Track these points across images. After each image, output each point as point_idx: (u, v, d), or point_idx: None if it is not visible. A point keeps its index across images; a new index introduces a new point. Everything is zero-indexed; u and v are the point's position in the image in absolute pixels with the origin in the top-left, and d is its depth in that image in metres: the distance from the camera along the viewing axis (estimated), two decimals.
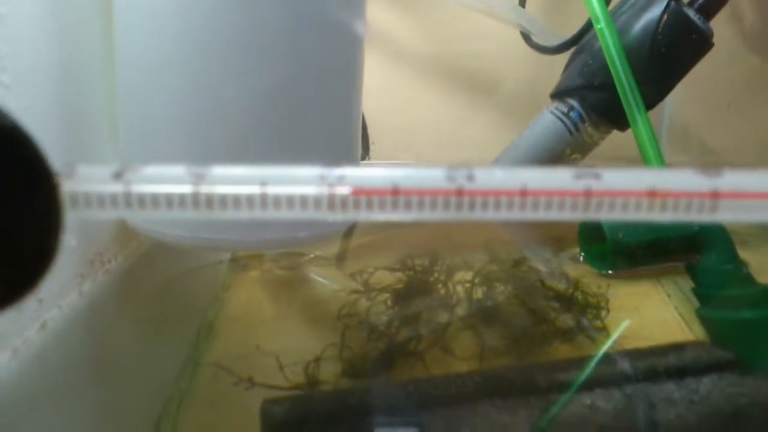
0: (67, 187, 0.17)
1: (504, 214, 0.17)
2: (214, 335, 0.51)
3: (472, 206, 0.17)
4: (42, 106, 0.31)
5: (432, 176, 0.17)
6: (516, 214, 0.17)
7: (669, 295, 0.57)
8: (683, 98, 0.66)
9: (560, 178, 0.17)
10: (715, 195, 0.17)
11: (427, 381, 0.32)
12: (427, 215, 0.17)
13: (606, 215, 0.17)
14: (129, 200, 0.17)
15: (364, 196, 0.17)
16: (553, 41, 0.63)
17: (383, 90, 0.76)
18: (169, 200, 0.17)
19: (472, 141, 0.79)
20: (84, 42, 0.35)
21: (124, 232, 0.41)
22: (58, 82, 0.33)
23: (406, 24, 0.75)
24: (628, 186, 0.17)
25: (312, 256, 0.59)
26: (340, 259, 0.59)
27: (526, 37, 0.67)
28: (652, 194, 0.17)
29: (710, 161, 0.72)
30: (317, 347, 0.45)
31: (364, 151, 0.74)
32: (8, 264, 0.16)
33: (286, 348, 0.45)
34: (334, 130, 0.36)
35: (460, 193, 0.17)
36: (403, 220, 0.17)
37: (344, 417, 0.29)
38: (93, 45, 0.36)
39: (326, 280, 0.56)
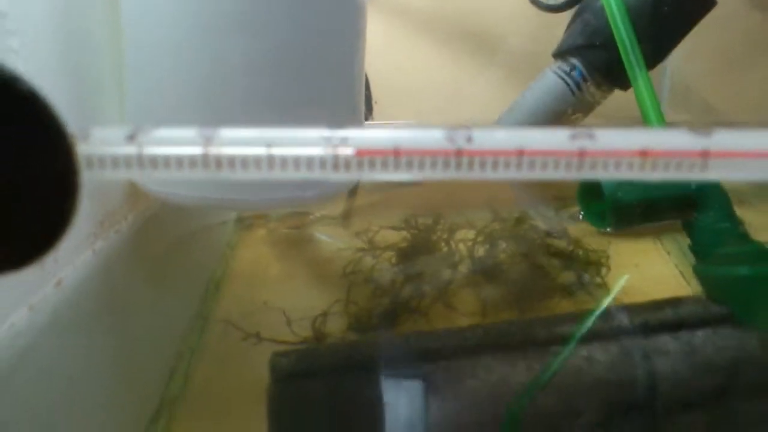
0: (82, 149, 0.18)
1: (501, 174, 0.18)
2: (221, 293, 0.52)
3: (471, 166, 0.18)
4: (50, 69, 0.32)
5: (432, 137, 0.18)
6: (513, 174, 0.18)
7: (669, 253, 0.58)
8: (684, 57, 0.66)
9: (556, 138, 0.18)
10: (705, 154, 0.18)
11: (430, 334, 0.33)
12: (427, 175, 0.18)
13: (600, 174, 0.18)
14: (141, 161, 0.18)
15: (367, 156, 0.18)
16: (556, 0, 0.63)
17: (386, 50, 0.76)
18: (180, 161, 0.18)
19: (475, 100, 0.79)
20: (91, 6, 0.35)
21: (134, 193, 0.42)
22: (65, 45, 0.33)
23: None
24: (620, 146, 0.18)
25: (317, 215, 0.60)
26: (346, 218, 0.60)
27: None
28: (643, 154, 0.18)
29: (711, 120, 0.72)
30: (323, 303, 0.46)
31: (367, 111, 0.74)
32: (29, 223, 0.17)
33: (292, 304, 0.47)
34: (338, 90, 0.36)
35: (459, 153, 0.18)
36: (404, 179, 0.18)
37: (349, 368, 0.30)
38: (100, 9, 0.36)
39: (331, 239, 0.57)
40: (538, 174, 0.18)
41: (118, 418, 0.37)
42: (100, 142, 0.18)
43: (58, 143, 0.17)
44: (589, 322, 0.35)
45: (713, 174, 0.18)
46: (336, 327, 0.44)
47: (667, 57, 0.52)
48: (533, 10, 0.65)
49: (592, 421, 0.29)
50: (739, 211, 0.44)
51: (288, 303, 0.47)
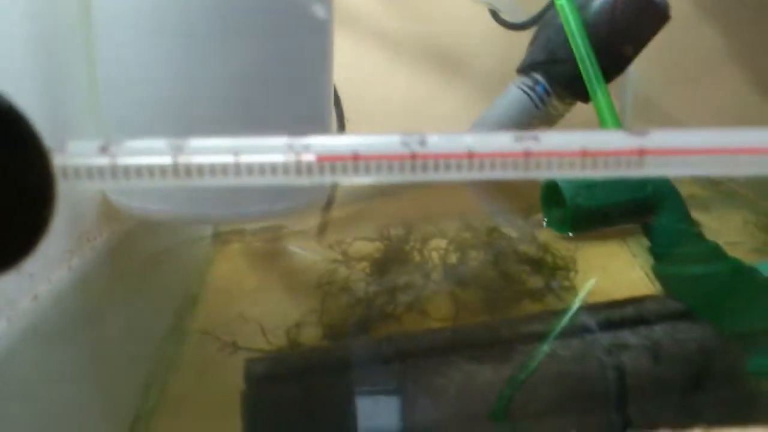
0: (58, 161, 0.19)
1: (454, 175, 0.20)
2: (198, 306, 0.53)
3: (425, 168, 0.19)
4: (25, 82, 0.33)
5: (388, 142, 0.19)
6: (464, 175, 0.20)
7: (634, 255, 0.59)
8: (645, 69, 0.68)
9: (502, 141, 0.19)
10: (641, 152, 0.20)
11: (401, 337, 0.34)
12: (385, 178, 0.19)
13: (544, 173, 0.20)
14: (115, 171, 0.19)
15: (328, 162, 0.19)
16: (520, 18, 0.65)
17: (357, 68, 0.77)
18: (151, 171, 0.19)
19: (446, 117, 0.80)
20: (64, 19, 0.36)
21: (109, 211, 0.42)
22: (39, 58, 0.34)
23: (380, 3, 0.76)
24: (562, 147, 0.19)
25: (292, 229, 0.61)
26: (321, 231, 0.61)
27: (495, 14, 0.69)
28: (584, 154, 0.20)
29: (672, 128, 0.74)
30: (298, 314, 0.47)
31: (339, 129, 0.75)
32: (8, 231, 0.18)
33: (268, 315, 0.48)
34: (306, 107, 0.37)
35: (413, 157, 0.19)
36: (362, 183, 0.19)
37: (321, 371, 0.31)
38: (73, 22, 0.37)
39: (305, 251, 0.58)
40: (487, 174, 0.19)
41: (93, 430, 0.38)
42: (74, 154, 0.19)
43: (34, 155, 0.18)
44: (561, 323, 0.37)
45: (648, 170, 0.20)
46: (311, 336, 0.45)
47: (624, 70, 0.54)
48: (501, 30, 0.68)
49: (555, 411, 0.30)
50: (704, 217, 0.46)
51: (263, 313, 0.48)
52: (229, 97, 0.34)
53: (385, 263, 0.54)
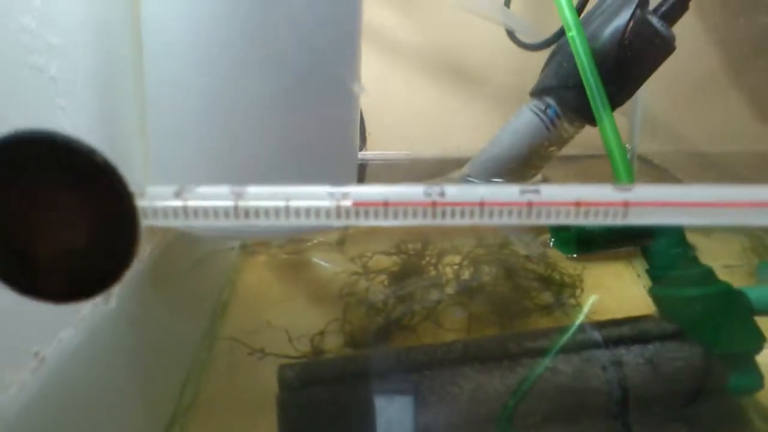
0: (141, 203, 0.23)
1: (467, 221, 0.23)
2: (228, 313, 0.57)
3: (443, 215, 0.23)
4: (88, 121, 0.37)
5: (413, 193, 0.23)
6: (476, 221, 0.23)
7: (639, 275, 0.63)
8: (654, 91, 0.72)
9: (509, 192, 0.23)
10: (626, 204, 0.23)
11: (418, 349, 0.38)
12: (409, 222, 0.23)
13: (543, 221, 0.23)
14: (186, 212, 0.23)
15: (362, 207, 0.23)
16: (535, 39, 0.68)
17: (379, 84, 0.81)
18: (216, 212, 0.23)
19: (463, 130, 0.84)
20: (121, 65, 0.41)
21: (151, 226, 0.47)
22: (100, 100, 0.38)
23: (402, 21, 0.80)
24: (559, 198, 0.23)
25: (315, 242, 0.65)
26: (341, 243, 0.64)
27: (511, 34, 0.72)
28: (578, 204, 0.23)
29: (678, 147, 0.78)
30: (321, 322, 0.51)
31: (361, 142, 0.79)
32: (102, 261, 0.22)
33: (293, 323, 0.52)
34: (337, 135, 0.41)
35: (434, 204, 0.23)
36: (391, 225, 0.23)
37: (347, 378, 0.35)
38: (129, 67, 0.41)
39: (328, 264, 0.62)
40: (495, 220, 0.23)
41: (137, 424, 0.42)
42: (154, 197, 0.23)
43: (123, 199, 0.22)
44: (564, 338, 0.40)
45: (632, 220, 0.23)
46: (333, 344, 0.49)
47: (630, 97, 0.58)
48: (516, 47, 0.71)
49: (555, 422, 0.34)
50: (706, 242, 0.49)
51: (289, 322, 0.52)
52: (267, 128, 0.38)
53: (403, 276, 0.58)
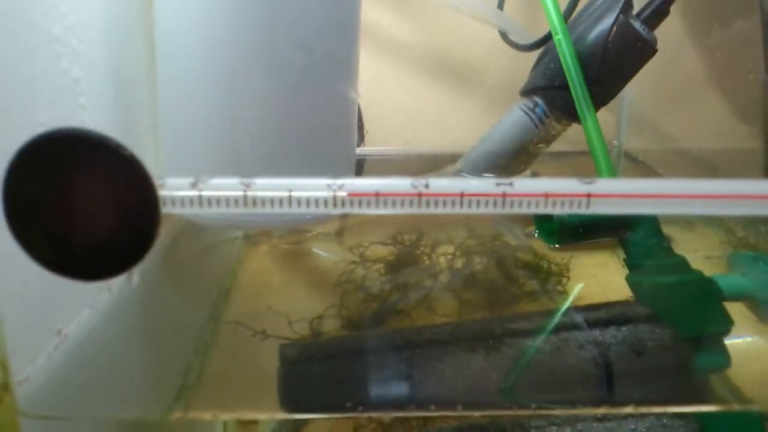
0: (161, 193, 0.26)
1: (449, 210, 0.26)
2: (231, 299, 0.60)
3: (428, 204, 0.26)
4: (106, 117, 0.40)
5: (402, 184, 0.26)
6: (457, 210, 0.26)
7: (623, 265, 0.66)
8: (639, 90, 0.75)
9: (486, 185, 0.26)
10: (589, 195, 0.26)
11: (410, 330, 0.41)
12: (398, 210, 0.26)
13: (516, 210, 0.26)
14: (201, 201, 0.26)
15: (356, 197, 0.26)
16: (528, 40, 0.71)
17: (376, 82, 0.84)
18: (227, 201, 0.26)
19: (457, 127, 0.87)
20: (135, 67, 0.44)
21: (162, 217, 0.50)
22: (116, 100, 0.41)
23: (398, 21, 0.83)
24: (530, 190, 0.26)
25: (314, 233, 0.68)
26: (339, 235, 0.68)
27: (504, 35, 0.75)
28: (546, 195, 0.26)
29: (663, 146, 0.81)
30: (320, 308, 0.54)
31: (359, 139, 0.82)
32: (125, 245, 0.26)
33: (293, 309, 0.54)
34: (336, 133, 0.45)
35: (420, 195, 0.26)
36: (382, 213, 0.26)
37: (343, 355, 0.38)
38: (140, 72, 0.44)
39: (327, 253, 0.65)
40: (474, 210, 0.26)
41: (147, 398, 0.45)
42: (172, 188, 0.26)
43: (146, 189, 0.25)
44: (544, 322, 0.43)
45: (594, 209, 0.27)
46: (331, 327, 0.52)
47: (614, 97, 0.60)
48: (509, 48, 0.74)
49: (537, 394, 0.37)
50: (687, 234, 0.52)
51: (289, 307, 0.55)
52: (272, 125, 0.41)
53: (398, 265, 0.61)
